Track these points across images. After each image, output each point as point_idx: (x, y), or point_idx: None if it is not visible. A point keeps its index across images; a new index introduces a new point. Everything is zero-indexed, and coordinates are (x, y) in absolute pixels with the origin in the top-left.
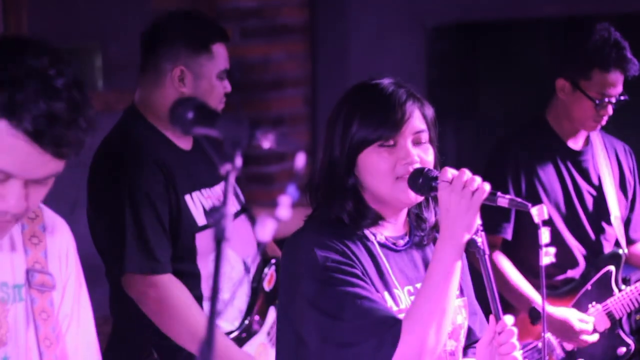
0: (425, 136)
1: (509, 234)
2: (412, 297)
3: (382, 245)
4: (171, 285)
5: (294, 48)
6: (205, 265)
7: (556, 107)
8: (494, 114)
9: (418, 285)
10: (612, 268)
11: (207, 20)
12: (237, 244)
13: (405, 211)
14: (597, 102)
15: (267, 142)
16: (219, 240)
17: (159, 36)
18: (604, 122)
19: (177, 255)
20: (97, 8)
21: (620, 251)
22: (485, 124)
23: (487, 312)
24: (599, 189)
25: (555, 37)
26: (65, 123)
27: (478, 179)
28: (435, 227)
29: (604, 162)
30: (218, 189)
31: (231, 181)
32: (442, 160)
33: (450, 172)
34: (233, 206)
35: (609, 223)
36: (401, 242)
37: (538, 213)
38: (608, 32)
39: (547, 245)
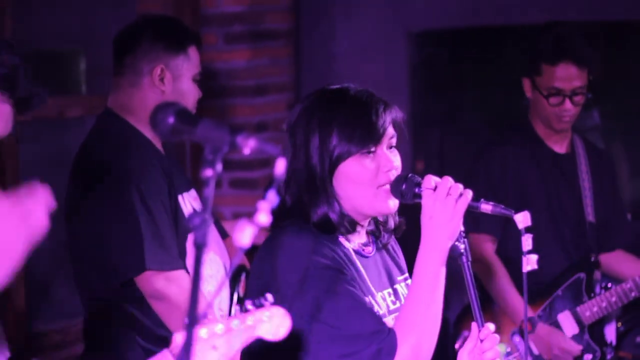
0: (395, 141)
1: (497, 232)
2: (385, 303)
3: (355, 252)
4: (187, 281)
5: (278, 53)
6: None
7: (531, 107)
8: (478, 120)
9: (386, 292)
10: (583, 274)
11: (181, 23)
12: (217, 248)
13: (368, 220)
14: (548, 98)
15: (247, 148)
16: (200, 245)
17: (137, 38)
18: (567, 119)
19: None
20: (81, 12)
21: (593, 258)
22: (469, 131)
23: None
24: (578, 194)
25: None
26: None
27: (461, 186)
28: (395, 231)
29: (585, 167)
30: (193, 193)
31: (212, 186)
32: (426, 167)
33: (433, 179)
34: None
35: (585, 229)
36: (369, 249)
37: (522, 219)
38: (560, 28)
39: (530, 252)
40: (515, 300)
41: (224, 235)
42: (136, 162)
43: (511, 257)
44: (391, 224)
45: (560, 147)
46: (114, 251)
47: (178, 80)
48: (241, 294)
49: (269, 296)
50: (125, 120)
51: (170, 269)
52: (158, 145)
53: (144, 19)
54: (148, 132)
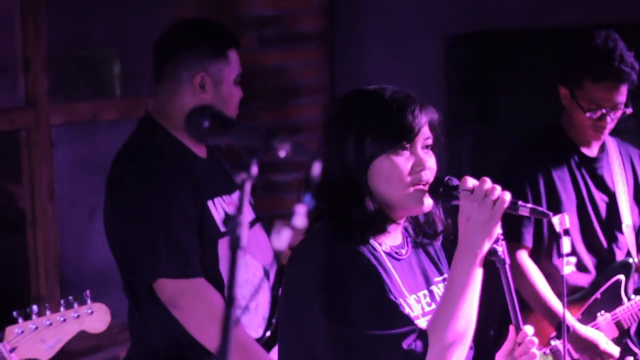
0: (430, 141)
1: (529, 241)
2: (419, 305)
3: (387, 254)
4: (205, 289)
5: (311, 55)
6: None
7: (566, 113)
8: (512, 121)
9: (421, 294)
10: (621, 277)
11: (219, 26)
12: (256, 251)
13: (404, 219)
14: (587, 113)
15: (283, 151)
16: (235, 248)
17: (176, 44)
18: (605, 132)
19: (201, 261)
20: (115, 15)
21: (631, 260)
22: (504, 132)
23: (506, 321)
24: (613, 196)
25: (573, 46)
26: None
27: (499, 188)
28: (445, 231)
29: (618, 169)
30: (234, 197)
31: (247, 190)
32: (459, 169)
33: (471, 181)
34: (249, 214)
35: (621, 231)
36: (403, 251)
37: (560, 222)
38: (604, 41)
39: (568, 255)
40: (553, 302)
41: None
42: (159, 171)
43: (542, 260)
44: (438, 225)
45: (591, 151)
46: (131, 258)
47: (219, 85)
48: None
49: (88, 292)
50: (161, 126)
51: (184, 277)
52: (198, 149)
53: (182, 24)
54: (184, 138)
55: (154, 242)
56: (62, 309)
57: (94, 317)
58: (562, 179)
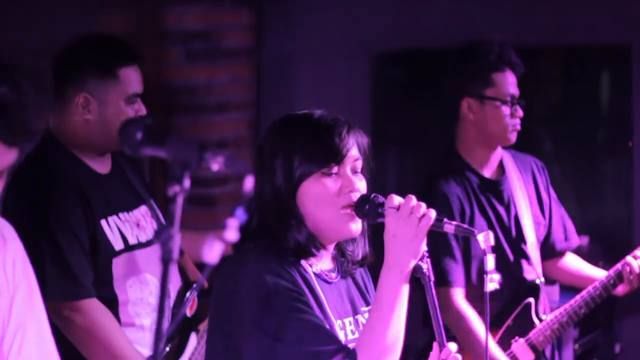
0: (360, 165)
1: (461, 282)
2: (343, 332)
3: (317, 276)
4: (97, 310)
5: (238, 71)
6: (122, 291)
7: (464, 134)
8: (437, 141)
9: (347, 320)
10: (531, 299)
11: (116, 43)
12: (155, 268)
13: (333, 245)
14: (512, 105)
15: (216, 165)
16: (166, 260)
17: (65, 62)
18: (518, 127)
19: (94, 281)
20: (38, 29)
21: (538, 281)
22: (429, 151)
23: (430, 338)
24: (516, 217)
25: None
26: (14, 109)
27: (424, 206)
28: (363, 261)
29: (518, 185)
30: (137, 212)
31: (179, 203)
32: (384, 186)
33: (396, 198)
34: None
35: (527, 250)
36: (333, 275)
37: (484, 239)
38: (490, 42)
39: (492, 272)
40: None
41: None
42: (49, 192)
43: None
44: (358, 254)
45: (491, 173)
46: None
47: (105, 106)
48: (189, 314)
49: None
50: (60, 143)
51: (75, 299)
52: (99, 166)
53: (77, 41)
54: (82, 154)
55: (42, 266)
56: None
57: None
58: (470, 206)
